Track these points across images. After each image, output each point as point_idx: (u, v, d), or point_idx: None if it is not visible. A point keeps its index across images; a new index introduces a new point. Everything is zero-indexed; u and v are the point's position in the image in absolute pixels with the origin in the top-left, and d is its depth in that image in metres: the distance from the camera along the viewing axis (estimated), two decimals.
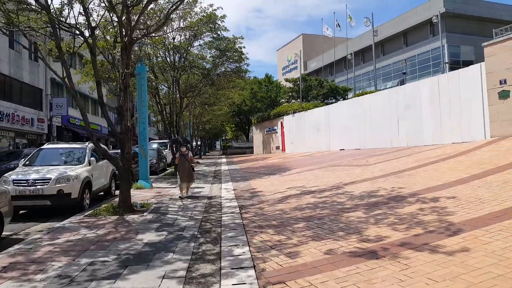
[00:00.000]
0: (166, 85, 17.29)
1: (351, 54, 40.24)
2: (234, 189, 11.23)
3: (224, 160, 32.29)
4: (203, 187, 12.29)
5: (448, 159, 11.28)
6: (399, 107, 18.75)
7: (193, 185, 13.06)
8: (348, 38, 51.95)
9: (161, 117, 16.95)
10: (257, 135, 40.27)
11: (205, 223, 6.78)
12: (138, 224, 6.76)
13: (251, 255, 4.59)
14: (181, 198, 9.64)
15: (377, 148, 19.84)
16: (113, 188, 11.15)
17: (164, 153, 21.48)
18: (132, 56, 8.34)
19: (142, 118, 12.42)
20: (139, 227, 6.55)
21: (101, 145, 10.12)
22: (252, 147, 42.74)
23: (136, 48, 10.37)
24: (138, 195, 10.66)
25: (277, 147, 34.08)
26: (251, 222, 6.55)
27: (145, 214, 7.67)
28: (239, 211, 7.69)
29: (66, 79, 7.38)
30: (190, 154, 10.06)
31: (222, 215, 7.39)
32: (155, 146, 25.18)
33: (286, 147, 31.67)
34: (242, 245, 5.08)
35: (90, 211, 7.85)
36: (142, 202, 8.75)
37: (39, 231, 6.52)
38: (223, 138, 70.06)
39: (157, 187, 12.49)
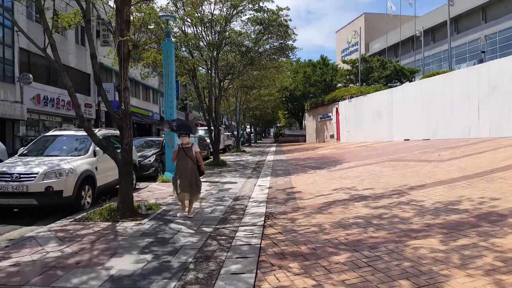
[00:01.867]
0: (204, 66, 15.67)
1: (421, 31, 35.60)
2: (269, 187, 9.34)
3: (273, 149, 30.45)
4: (236, 183, 10.55)
5: None
6: (481, 89, 15.34)
7: (225, 179, 11.46)
8: (416, 16, 46.74)
9: (199, 102, 15.42)
10: (310, 123, 37.72)
11: (211, 241, 4.99)
12: (125, 238, 5.18)
13: None
14: (183, 216, 6.28)
15: (451, 138, 16.63)
16: (134, 182, 9.85)
17: (206, 140, 20.11)
18: (134, 20, 6.67)
19: (169, 102, 10.95)
20: (124, 243, 4.95)
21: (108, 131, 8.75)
22: (305, 135, 40.30)
23: (135, 12, 8.69)
24: (158, 190, 9.24)
25: (332, 136, 31.39)
26: (272, 245, 4.63)
27: (144, 221, 6.09)
28: (263, 222, 5.79)
29: (49, 50, 5.95)
30: (196, 147, 6.40)
31: (239, 228, 5.55)
32: (201, 133, 24.17)
33: (341, 136, 28.92)
34: None
35: (83, 214, 6.46)
36: (150, 203, 7.21)
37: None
38: (277, 125, 68.11)
39: None
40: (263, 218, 6.03)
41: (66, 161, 7.09)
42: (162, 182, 10.55)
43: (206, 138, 20.23)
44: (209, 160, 16.58)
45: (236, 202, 7.67)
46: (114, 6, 6.43)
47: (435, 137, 17.98)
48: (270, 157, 20.10)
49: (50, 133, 8.81)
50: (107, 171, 8.10)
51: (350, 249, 4.21)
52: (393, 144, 19.13)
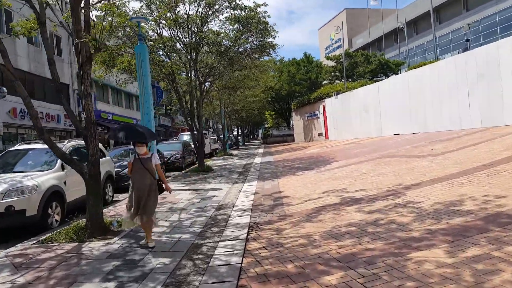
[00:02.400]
0: (183, 69, 14.96)
1: (403, 23, 35.44)
2: (255, 192, 8.75)
3: (261, 150, 29.89)
4: (220, 189, 9.94)
5: None
6: (470, 78, 15.00)
7: (209, 185, 10.84)
8: (398, 9, 46.80)
9: (180, 106, 14.75)
10: (297, 122, 37.26)
11: (186, 262, 4.38)
12: (89, 262, 4.53)
13: None
14: (142, 246, 5.06)
15: (442, 131, 16.27)
16: (110, 195, 9.17)
17: (192, 146, 19.45)
18: (92, 21, 6.03)
19: (145, 108, 10.25)
20: (87, 269, 4.31)
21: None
22: (293, 135, 39.85)
23: (97, 12, 8.03)
24: None
25: (320, 134, 30.96)
26: (255, 264, 4.04)
27: (114, 240, 5.44)
28: (245, 235, 5.20)
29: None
30: (157, 159, 5.21)
31: (219, 244, 4.95)
32: (186, 138, 23.46)
33: (329, 134, 28.50)
34: None
35: (48, 234, 5.78)
36: (122, 218, 6.55)
37: None
38: (265, 126, 67.57)
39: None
40: (246, 230, 5.43)
41: (30, 177, 6.39)
42: None
43: (190, 143, 19.59)
44: (194, 166, 15.90)
45: (218, 212, 7.06)
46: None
47: (426, 130, 17.62)
48: (257, 160, 19.52)
49: (16, 147, 8.07)
50: (79, 185, 7.36)
51: (344, 266, 3.64)
52: (383, 139, 18.73)
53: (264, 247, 4.64)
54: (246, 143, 56.45)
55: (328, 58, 36.87)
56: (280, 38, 74.60)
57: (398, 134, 19.53)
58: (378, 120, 21.58)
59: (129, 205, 5.07)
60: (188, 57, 14.02)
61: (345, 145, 19.96)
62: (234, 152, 30.44)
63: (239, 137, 50.55)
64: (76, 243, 5.34)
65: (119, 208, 7.96)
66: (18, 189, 6.00)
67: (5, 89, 17.61)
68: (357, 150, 15.72)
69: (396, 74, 31.24)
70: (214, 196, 8.84)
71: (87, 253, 4.90)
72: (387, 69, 33.28)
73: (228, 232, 5.46)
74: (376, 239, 4.36)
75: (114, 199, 9.26)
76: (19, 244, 5.48)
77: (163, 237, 5.47)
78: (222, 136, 28.75)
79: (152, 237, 5.28)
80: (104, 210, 7.74)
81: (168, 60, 13.75)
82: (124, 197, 9.65)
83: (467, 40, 33.24)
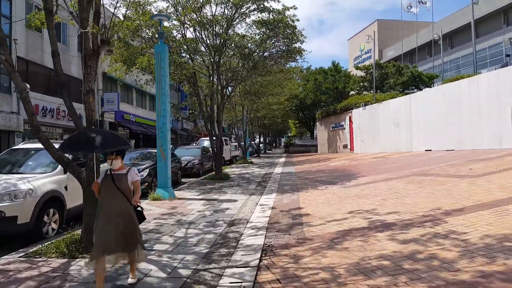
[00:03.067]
0: (205, 72, 14.46)
1: (439, 35, 33.92)
2: (273, 207, 8.00)
3: (282, 160, 29.04)
4: (235, 201, 9.24)
5: None
6: None
7: (224, 196, 10.16)
8: (433, 22, 45.22)
9: (200, 110, 14.23)
10: (321, 132, 36.19)
11: None
12: (73, 286, 3.91)
13: None
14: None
15: (479, 149, 15.02)
16: None
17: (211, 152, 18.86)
18: (101, 12, 5.51)
19: (161, 110, 9.77)
20: None
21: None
22: (317, 145, 38.77)
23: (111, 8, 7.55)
24: (144, 212, 7.96)
25: (345, 146, 29.82)
26: None
27: None
28: (257, 261, 4.46)
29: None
30: (135, 174, 3.92)
31: (226, 271, 4.24)
32: (206, 143, 22.97)
33: (355, 146, 27.35)
34: None
35: (39, 246, 5.23)
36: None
37: None
38: (288, 135, 66.61)
39: (180, 198, 9.77)
40: (258, 255, 4.69)
41: (26, 180, 5.91)
42: (153, 200, 9.33)
43: (210, 149, 19.05)
44: (212, 173, 15.31)
45: (230, 229, 6.35)
46: None
47: (460, 148, 16.34)
48: (278, 169, 18.73)
49: (19, 146, 7.69)
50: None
51: None
52: (413, 155, 17.56)
53: (278, 279, 3.89)
54: (267, 151, 55.67)
55: (357, 68, 35.71)
56: (309, 46, 73.56)
57: (430, 150, 18.29)
58: (408, 134, 20.37)
59: (98, 239, 3.67)
60: (212, 60, 13.51)
61: (372, 159, 18.87)
62: (255, 160, 29.75)
63: (260, 145, 49.87)
64: (66, 259, 4.75)
65: None
66: (11, 193, 5.52)
67: (28, 85, 17.67)
68: (385, 165, 14.68)
69: (429, 87, 29.78)
70: (227, 209, 8.15)
71: (74, 273, 4.29)
72: (419, 82, 31.77)
73: (238, 256, 4.74)
74: (415, 280, 3.53)
75: None
76: (4, 257, 4.93)
77: (163, 257, 4.81)
78: (243, 143, 28.12)
79: (152, 256, 4.62)
80: None
81: (191, 62, 13.26)
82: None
83: (508, 56, 31.42)
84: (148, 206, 8.55)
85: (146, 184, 10.46)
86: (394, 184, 9.65)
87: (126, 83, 17.52)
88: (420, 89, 28.31)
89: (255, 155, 39.59)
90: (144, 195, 9.81)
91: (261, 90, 17.97)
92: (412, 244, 4.62)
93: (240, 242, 5.43)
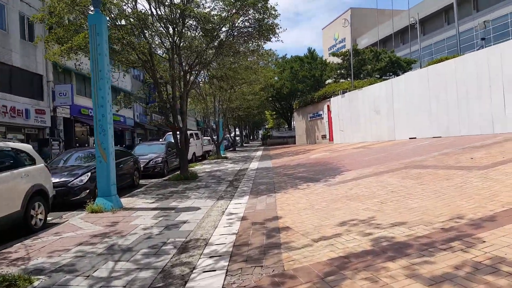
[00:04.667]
0: (163, 52, 12.41)
1: (416, 19, 33.00)
2: (243, 218, 6.25)
3: (259, 153, 27.35)
4: (198, 209, 7.44)
5: None
6: (506, 72, 12.54)
7: (185, 202, 8.33)
8: (405, 10, 44.69)
9: (159, 100, 12.22)
10: (299, 123, 34.70)
11: None
12: None
13: None
14: None
15: (469, 135, 13.83)
16: (40, 218, 6.66)
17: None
18: None
19: (99, 99, 7.77)
20: None
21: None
22: (295, 137, 37.29)
23: None
24: (70, 232, 6.03)
25: (323, 136, 28.44)
26: None
27: None
28: None
29: None
30: None
31: None
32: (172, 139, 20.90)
33: (334, 136, 26.00)
34: None
35: None
36: (18, 273, 4.04)
37: None
38: (265, 127, 64.95)
39: (127, 208, 7.85)
40: None
41: None
42: (92, 212, 7.39)
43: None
44: (177, 172, 13.40)
45: (180, 258, 4.56)
46: None
47: (448, 134, 15.14)
48: (253, 165, 17.02)
49: None
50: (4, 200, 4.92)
51: None
52: (398, 144, 16.24)
53: None
54: (244, 145, 53.83)
55: (334, 54, 34.25)
56: (285, 38, 71.86)
57: (415, 138, 17.06)
58: (391, 122, 19.09)
59: None
60: (170, 39, 11.51)
61: (354, 149, 17.45)
62: (230, 155, 27.91)
63: (237, 138, 47.98)
64: None
65: (33, 248, 5.49)
66: None
67: None
68: (369, 156, 13.22)
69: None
70: (184, 223, 6.34)
71: None
72: (398, 68, 30.70)
73: None
74: None
75: (46, 221, 6.74)
76: None
77: None
78: (215, 136, 26.16)
79: None
80: (26, 242, 5.31)
81: (144, 39, 11.12)
82: (62, 219, 7.19)
83: (483, 39, 30.86)
84: (80, 223, 6.61)
85: (87, 191, 8.47)
86: (387, 179, 8.10)
87: (62, 68, 15.07)
88: (398, 75, 27.22)
89: (230, 149, 37.72)
90: (82, 206, 7.84)
91: (230, 75, 15.93)
92: (446, 286, 2.97)
93: (187, 285, 3.65)
